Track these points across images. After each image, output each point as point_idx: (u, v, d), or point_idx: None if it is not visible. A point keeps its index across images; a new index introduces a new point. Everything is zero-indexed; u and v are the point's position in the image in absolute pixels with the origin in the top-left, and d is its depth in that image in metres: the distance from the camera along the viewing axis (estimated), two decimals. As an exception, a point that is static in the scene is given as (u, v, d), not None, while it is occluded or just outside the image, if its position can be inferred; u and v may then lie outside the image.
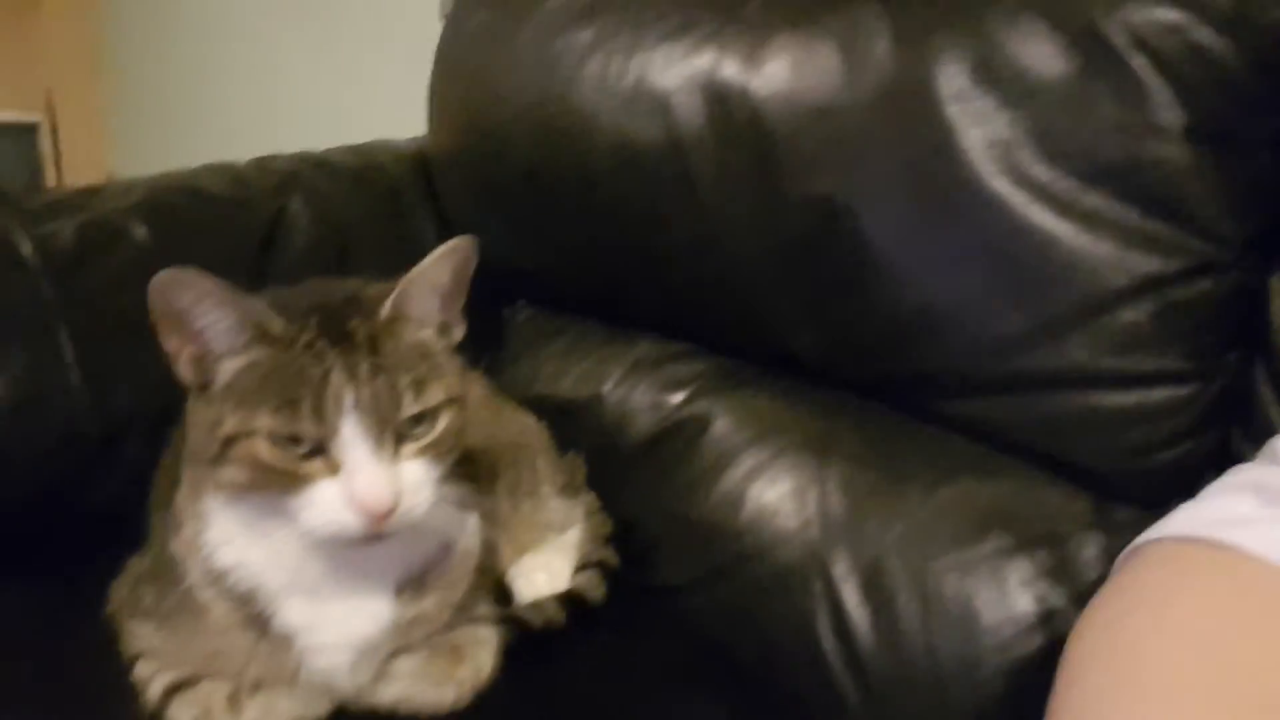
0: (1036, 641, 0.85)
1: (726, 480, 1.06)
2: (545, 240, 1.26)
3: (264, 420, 0.72)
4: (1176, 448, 0.87)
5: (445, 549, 0.87)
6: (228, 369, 0.75)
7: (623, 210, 1.13)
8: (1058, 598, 0.86)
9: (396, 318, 0.77)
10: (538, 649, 0.94)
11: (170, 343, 0.75)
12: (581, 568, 1.04)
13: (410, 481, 0.74)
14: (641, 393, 1.18)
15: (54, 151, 3.40)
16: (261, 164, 1.34)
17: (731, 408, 1.11)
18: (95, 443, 1.06)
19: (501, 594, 0.99)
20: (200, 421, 0.76)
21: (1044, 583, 0.86)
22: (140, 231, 1.13)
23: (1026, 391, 0.88)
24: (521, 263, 1.28)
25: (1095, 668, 0.55)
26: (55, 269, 1.06)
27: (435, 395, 0.76)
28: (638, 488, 1.13)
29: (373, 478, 0.71)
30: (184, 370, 0.76)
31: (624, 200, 1.12)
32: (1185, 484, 0.78)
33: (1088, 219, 0.80)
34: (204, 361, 0.75)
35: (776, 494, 1.02)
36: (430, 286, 0.79)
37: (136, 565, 0.91)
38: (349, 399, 0.71)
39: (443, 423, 0.77)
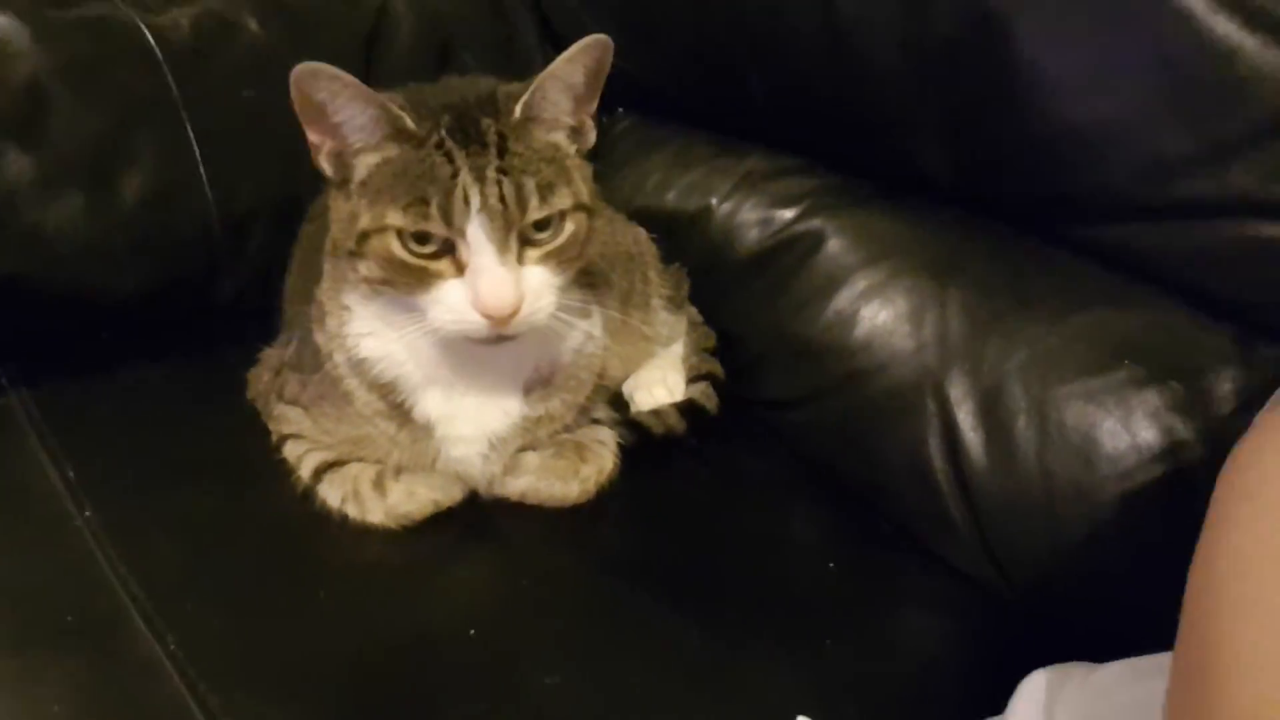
0: (1159, 472, 0.84)
1: (839, 299, 1.04)
2: (654, 41, 1.21)
3: (394, 218, 0.72)
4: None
5: (571, 352, 0.88)
6: (364, 164, 0.75)
7: (744, 7, 1.07)
8: (1187, 431, 0.84)
9: (528, 119, 0.76)
10: (653, 454, 0.96)
11: (312, 134, 0.75)
12: (693, 379, 1.05)
13: (533, 286, 0.75)
14: (751, 207, 1.15)
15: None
16: (362, -44, 1.30)
17: (846, 226, 1.08)
18: (222, 235, 1.07)
19: (614, 403, 1.00)
20: (340, 215, 0.77)
21: (1173, 415, 0.85)
22: (252, 24, 1.12)
23: (1181, 217, 0.83)
24: (626, 66, 1.23)
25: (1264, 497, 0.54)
26: (176, 60, 1.05)
27: (562, 200, 0.75)
28: (743, 303, 1.13)
29: (496, 281, 0.72)
30: (325, 164, 0.76)
31: (749, -2, 1.06)
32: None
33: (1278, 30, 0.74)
34: (342, 156, 0.76)
35: (892, 315, 1.01)
36: (564, 87, 0.77)
37: (275, 354, 0.94)
38: (475, 201, 0.71)
39: (568, 229, 0.76)
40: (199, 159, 1.04)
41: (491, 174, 0.72)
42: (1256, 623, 0.44)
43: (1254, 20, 0.74)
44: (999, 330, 0.94)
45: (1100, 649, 0.68)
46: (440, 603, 0.82)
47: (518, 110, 0.76)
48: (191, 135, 1.04)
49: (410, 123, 0.73)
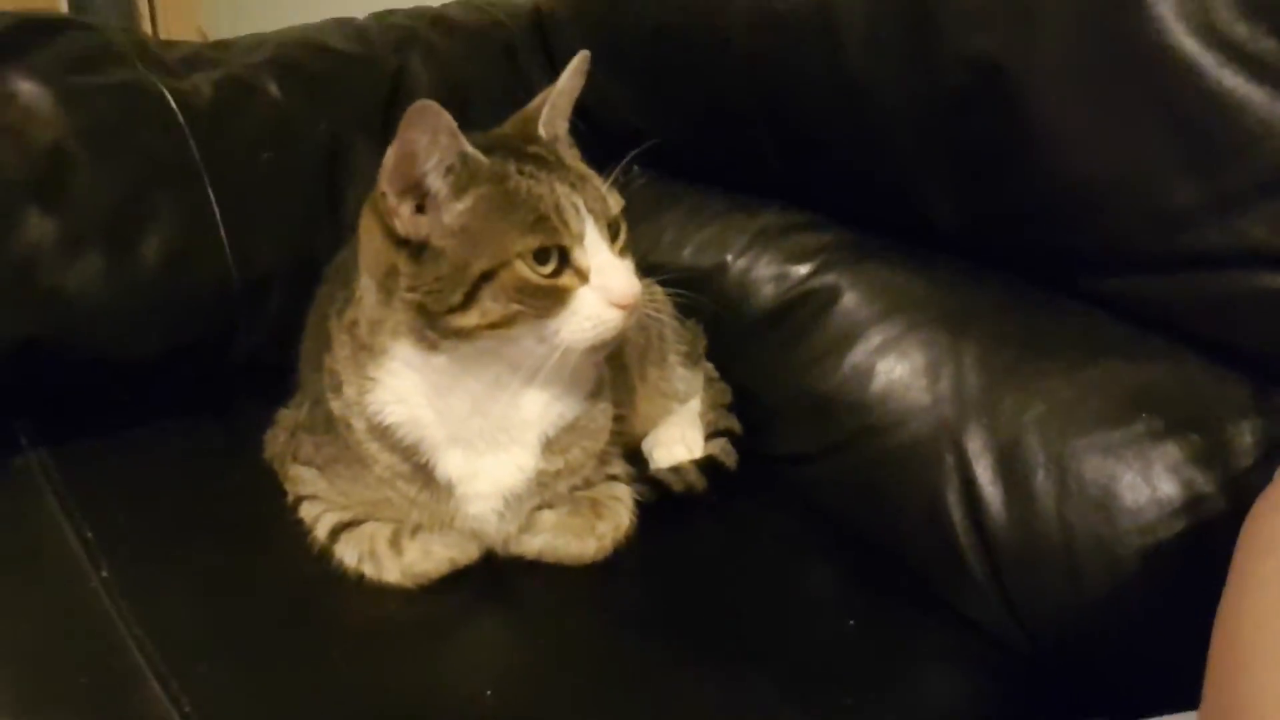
0: (1180, 526, 0.83)
1: (855, 354, 1.04)
2: (668, 102, 1.23)
3: (521, 243, 0.75)
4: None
5: (585, 404, 0.88)
6: (451, 213, 0.77)
7: (758, 70, 1.09)
8: (1207, 483, 0.83)
9: (554, 137, 0.83)
10: (669, 511, 0.96)
11: (393, 196, 0.77)
12: (711, 435, 1.05)
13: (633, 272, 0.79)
14: (766, 263, 1.16)
15: (148, 6, 3.39)
16: (381, 19, 1.33)
17: (861, 280, 1.08)
18: (241, 296, 1.09)
19: (633, 461, 1.00)
20: (424, 278, 0.77)
21: (1193, 468, 0.84)
22: (272, 88, 1.14)
23: (1191, 269, 0.83)
24: (641, 125, 1.25)
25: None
26: (197, 124, 1.07)
27: (619, 199, 0.81)
28: (759, 358, 1.13)
29: (622, 271, 0.77)
30: (404, 226, 0.77)
31: (760, 59, 1.08)
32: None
33: (1286, 83, 0.75)
34: (420, 215, 0.77)
35: (908, 369, 1.01)
36: (567, 103, 0.84)
37: (290, 416, 0.95)
38: (582, 205, 0.76)
39: (625, 225, 0.81)
40: (219, 220, 1.06)
41: (576, 182, 0.78)
42: (1281, 680, 0.44)
43: (1262, 73, 0.75)
44: (1015, 383, 0.94)
45: (1124, 706, 0.67)
46: (457, 662, 0.81)
47: (542, 131, 0.82)
48: (212, 197, 1.06)
49: (485, 163, 0.77)
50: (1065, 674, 0.86)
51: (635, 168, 1.37)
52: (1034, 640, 0.88)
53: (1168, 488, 0.84)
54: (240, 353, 1.10)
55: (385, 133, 1.19)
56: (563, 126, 0.85)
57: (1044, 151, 0.88)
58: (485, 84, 1.32)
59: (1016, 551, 0.90)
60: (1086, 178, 0.86)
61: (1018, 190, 0.92)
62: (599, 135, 1.15)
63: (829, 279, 1.10)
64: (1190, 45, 0.77)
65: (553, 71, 1.35)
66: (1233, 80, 0.76)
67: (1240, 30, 0.75)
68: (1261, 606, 0.49)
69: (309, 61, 1.20)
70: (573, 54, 1.28)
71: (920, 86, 0.94)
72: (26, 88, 1.01)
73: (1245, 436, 0.83)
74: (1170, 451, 0.85)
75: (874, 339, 1.04)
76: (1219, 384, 0.86)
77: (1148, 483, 0.85)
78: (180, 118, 1.06)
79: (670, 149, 1.28)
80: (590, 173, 0.81)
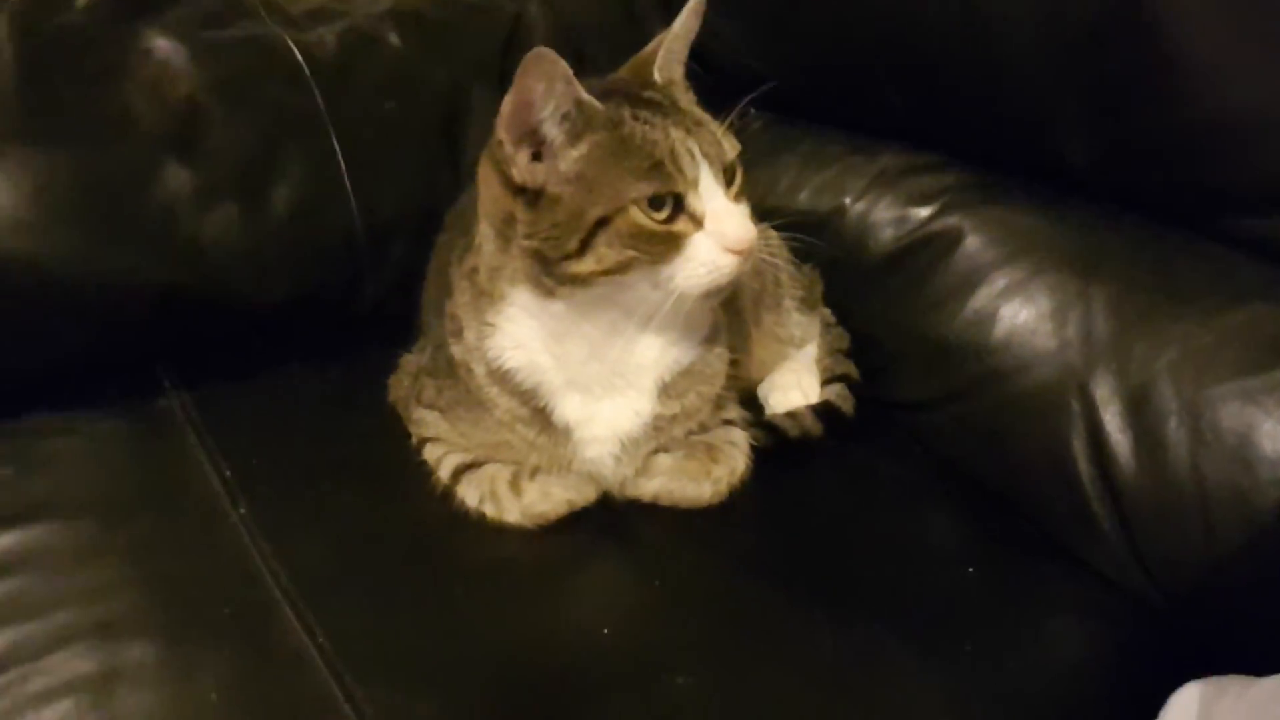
0: (1325, 476, 0.80)
1: (977, 298, 1.02)
2: (786, 43, 1.21)
3: (636, 189, 0.75)
4: None
5: (700, 349, 0.88)
6: (568, 160, 0.77)
7: (879, 6, 1.06)
8: (1355, 431, 0.79)
9: (669, 81, 0.82)
10: (788, 457, 0.95)
11: (510, 142, 0.78)
12: (828, 381, 1.04)
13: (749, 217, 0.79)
14: (886, 206, 1.14)
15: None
16: (497, -33, 1.33)
17: (984, 222, 1.05)
18: (365, 243, 1.11)
19: (749, 406, 1.00)
20: (541, 225, 0.78)
21: (1341, 415, 0.80)
22: (393, 38, 1.16)
23: (1345, 206, 0.79)
24: (758, 68, 1.23)
25: None
26: (322, 76, 1.10)
27: (736, 143, 0.80)
28: (878, 303, 1.11)
29: (736, 216, 0.77)
30: (522, 173, 0.78)
31: (882, -6, 1.05)
32: None
33: None
34: (537, 162, 0.78)
35: (1033, 313, 0.98)
36: (683, 46, 0.83)
37: (413, 361, 0.98)
38: (696, 151, 0.76)
39: (740, 170, 0.80)
40: (344, 170, 1.09)
41: (692, 127, 0.77)
42: None
43: None
44: (1147, 328, 0.91)
45: (1260, 662, 0.65)
46: (574, 601, 0.83)
47: (657, 75, 0.82)
48: (337, 147, 1.08)
49: (600, 109, 0.77)
50: (1198, 628, 0.84)
51: (752, 111, 1.35)
52: (1165, 593, 0.86)
53: (1313, 437, 0.81)
54: (366, 300, 1.13)
55: (503, 80, 1.20)
56: (678, 70, 0.84)
57: (1186, 84, 0.84)
58: (601, 29, 1.32)
59: (1146, 502, 0.87)
60: (1232, 111, 0.82)
61: (1156, 125, 0.88)
62: (715, 78, 1.14)
63: (951, 221, 1.07)
64: (1351, -37, 0.72)
65: (668, 15, 1.33)
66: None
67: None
68: None
69: (428, 10, 1.21)
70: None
71: (1051, 14, 0.91)
72: (162, 43, 1.04)
73: (1399, 382, 0.79)
74: (1316, 398, 0.81)
75: (998, 283, 1.01)
76: (1371, 327, 0.82)
77: (1290, 431, 0.81)
78: (306, 70, 1.09)
79: (788, 91, 1.26)
80: (706, 117, 0.80)
